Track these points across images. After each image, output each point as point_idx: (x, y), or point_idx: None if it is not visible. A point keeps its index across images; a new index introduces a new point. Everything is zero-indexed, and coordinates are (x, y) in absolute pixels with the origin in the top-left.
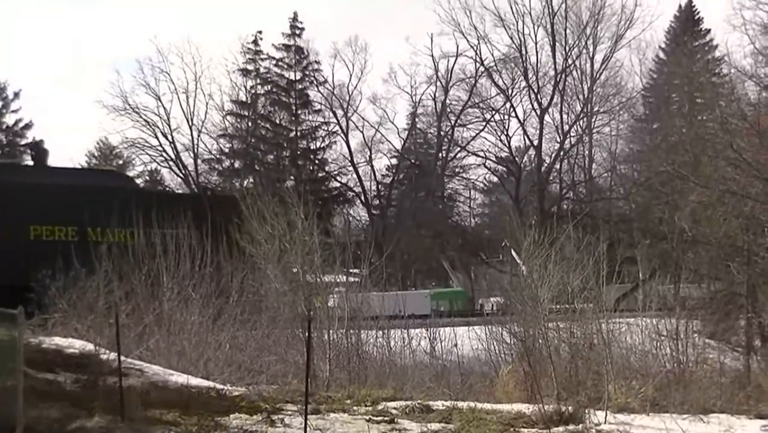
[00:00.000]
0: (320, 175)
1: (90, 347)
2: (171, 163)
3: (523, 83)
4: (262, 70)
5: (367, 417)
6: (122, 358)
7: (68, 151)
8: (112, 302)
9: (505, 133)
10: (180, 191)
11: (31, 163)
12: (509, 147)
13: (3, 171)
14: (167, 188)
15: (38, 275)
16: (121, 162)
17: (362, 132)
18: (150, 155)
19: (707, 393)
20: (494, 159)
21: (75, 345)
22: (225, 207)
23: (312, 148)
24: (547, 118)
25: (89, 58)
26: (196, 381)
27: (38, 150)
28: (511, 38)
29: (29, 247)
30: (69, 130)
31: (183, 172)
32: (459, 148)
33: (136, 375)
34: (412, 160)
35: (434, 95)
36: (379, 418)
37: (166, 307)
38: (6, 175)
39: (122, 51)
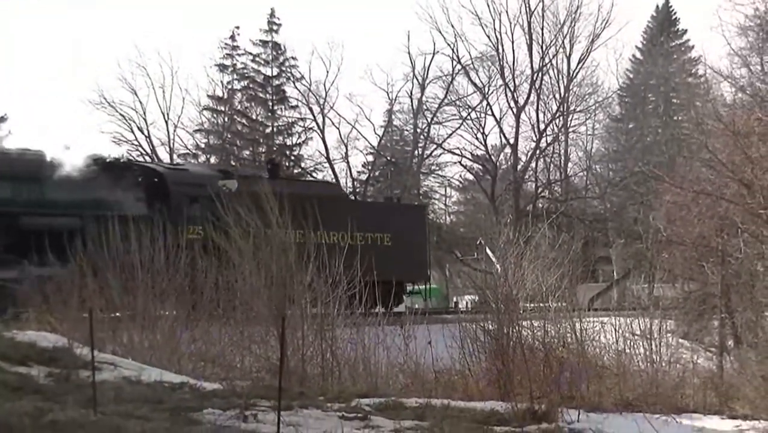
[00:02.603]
0: (296, 171)
1: (63, 341)
2: (147, 157)
3: (500, 81)
4: (239, 65)
5: (341, 414)
6: (96, 352)
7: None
8: (86, 297)
9: (482, 131)
10: (371, 199)
11: (266, 175)
12: (485, 145)
13: (247, 182)
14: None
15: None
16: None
17: (338, 129)
18: (126, 150)
19: (680, 393)
20: (470, 157)
21: (49, 339)
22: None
23: (288, 144)
24: (523, 116)
25: (87, 57)
26: (169, 376)
27: (273, 164)
28: (488, 37)
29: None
30: (51, 126)
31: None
32: (435, 146)
33: (109, 369)
34: (388, 158)
35: (411, 93)
36: (352, 415)
37: (140, 301)
38: (252, 185)
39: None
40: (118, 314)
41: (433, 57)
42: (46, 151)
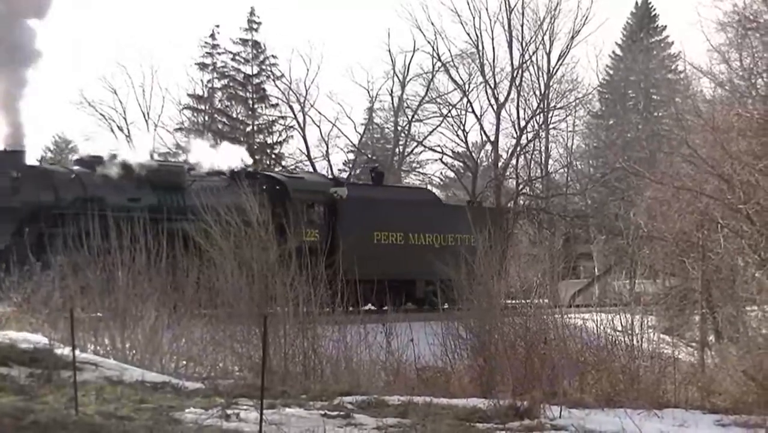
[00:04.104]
0: (277, 169)
1: (45, 341)
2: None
3: (480, 79)
4: (219, 64)
5: (323, 412)
6: (77, 352)
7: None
8: (67, 297)
9: (462, 128)
10: (453, 202)
11: (370, 183)
12: (466, 142)
13: (356, 188)
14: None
15: None
16: (77, 156)
17: (319, 127)
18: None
19: (662, 388)
20: (451, 154)
21: (29, 339)
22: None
23: (269, 142)
24: (503, 113)
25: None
26: (151, 375)
27: (377, 173)
28: (468, 34)
29: (373, 249)
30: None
31: None
32: (416, 144)
33: (90, 369)
34: (369, 155)
35: (391, 91)
36: (335, 413)
37: (121, 301)
38: (359, 191)
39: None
40: (99, 313)
41: (413, 55)
42: (185, 164)
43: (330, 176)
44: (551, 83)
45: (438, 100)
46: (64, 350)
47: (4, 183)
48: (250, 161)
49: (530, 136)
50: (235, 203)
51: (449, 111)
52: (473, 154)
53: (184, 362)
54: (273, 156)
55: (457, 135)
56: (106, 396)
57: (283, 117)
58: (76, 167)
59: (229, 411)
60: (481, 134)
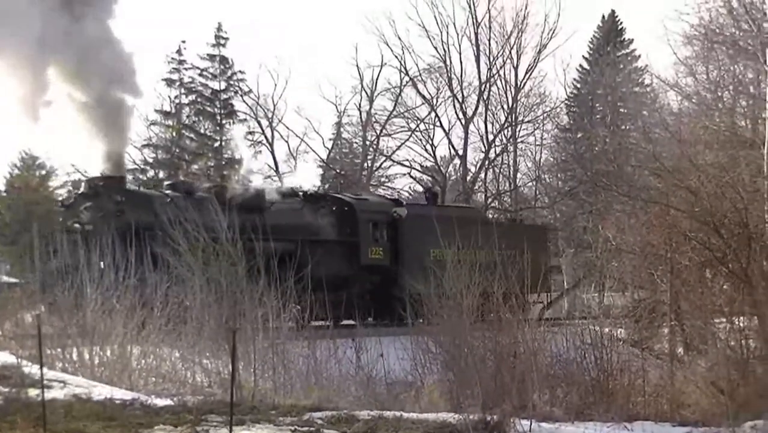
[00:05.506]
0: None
1: (12, 359)
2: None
3: (448, 93)
4: (186, 79)
5: (293, 428)
6: (45, 370)
7: None
8: (34, 314)
9: (431, 142)
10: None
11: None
12: (434, 156)
13: (413, 208)
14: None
15: None
16: (44, 172)
17: (287, 142)
18: (73, 165)
19: (632, 401)
20: (419, 168)
21: None
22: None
23: (237, 158)
24: (472, 127)
25: None
26: (120, 393)
27: (431, 193)
28: (436, 48)
29: (430, 265)
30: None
31: None
32: (384, 158)
33: (59, 387)
34: (338, 170)
35: (359, 105)
36: (305, 428)
37: (89, 318)
38: (416, 211)
39: None
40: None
41: (381, 69)
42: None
43: (392, 198)
44: (519, 97)
45: (406, 114)
46: (32, 368)
47: (110, 206)
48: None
49: (498, 149)
50: (312, 224)
51: (417, 125)
52: (441, 168)
53: (153, 379)
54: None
55: (426, 149)
56: (75, 414)
57: (251, 132)
58: (168, 191)
59: (198, 428)
60: (449, 148)
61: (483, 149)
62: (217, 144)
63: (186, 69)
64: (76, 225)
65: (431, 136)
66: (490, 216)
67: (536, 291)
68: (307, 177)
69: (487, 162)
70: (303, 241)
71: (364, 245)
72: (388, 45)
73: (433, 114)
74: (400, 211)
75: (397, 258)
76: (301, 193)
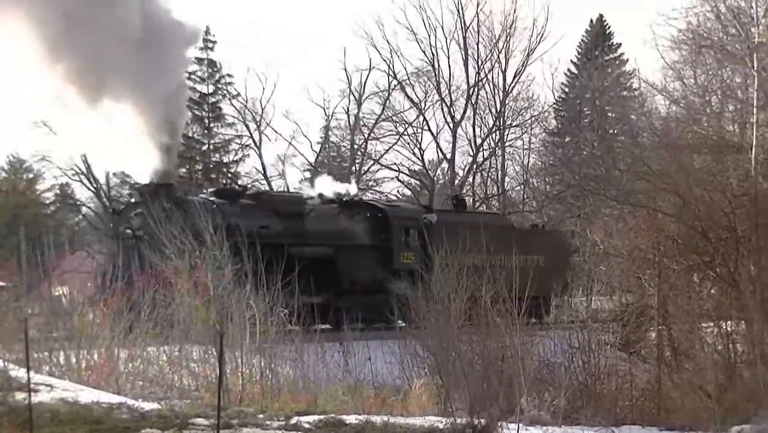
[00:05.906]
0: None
1: None
2: (82, 177)
3: (436, 97)
4: None
5: (280, 432)
6: (31, 374)
7: None
8: (20, 317)
9: (419, 146)
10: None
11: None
12: (422, 160)
13: (443, 214)
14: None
15: None
16: (31, 176)
17: (275, 145)
18: (60, 169)
19: (619, 405)
20: (407, 172)
21: None
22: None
23: (225, 161)
24: (460, 131)
25: None
26: (107, 396)
27: (458, 200)
28: (424, 52)
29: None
30: None
31: (95, 186)
32: (372, 162)
33: (45, 391)
34: (326, 174)
35: (347, 109)
36: (292, 432)
37: (76, 322)
38: (445, 217)
39: None
40: (54, 334)
41: (369, 73)
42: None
43: (422, 204)
44: (507, 101)
45: (394, 118)
46: (18, 372)
47: (159, 213)
48: (354, 191)
49: (486, 153)
50: (348, 229)
51: (405, 129)
52: (430, 172)
53: (141, 383)
54: (229, 175)
55: (414, 153)
56: (62, 418)
57: (239, 136)
58: (212, 198)
59: (185, 431)
60: (437, 152)
61: (471, 153)
62: (205, 147)
63: None
64: (128, 231)
65: (419, 140)
66: (514, 223)
67: (558, 292)
68: (292, 181)
69: (475, 166)
70: (340, 246)
71: (396, 251)
72: (376, 48)
73: (421, 118)
74: (430, 217)
75: (427, 263)
76: (337, 199)
